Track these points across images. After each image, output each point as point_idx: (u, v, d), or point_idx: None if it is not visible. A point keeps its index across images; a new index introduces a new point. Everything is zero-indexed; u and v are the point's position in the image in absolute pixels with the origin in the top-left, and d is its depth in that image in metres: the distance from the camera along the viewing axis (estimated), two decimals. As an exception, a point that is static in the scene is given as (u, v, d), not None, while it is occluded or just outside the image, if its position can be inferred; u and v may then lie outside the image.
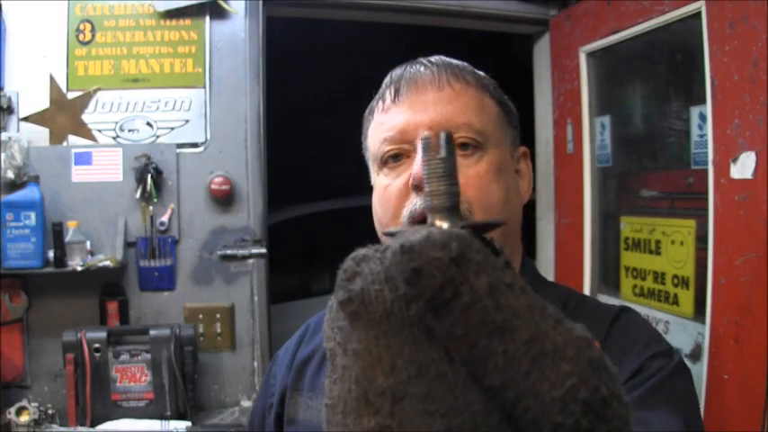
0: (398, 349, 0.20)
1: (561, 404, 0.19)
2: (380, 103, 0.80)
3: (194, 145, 2.04)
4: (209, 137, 2.04)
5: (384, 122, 0.77)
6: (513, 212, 0.77)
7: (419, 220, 0.72)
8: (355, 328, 0.22)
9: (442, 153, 0.25)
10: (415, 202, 0.72)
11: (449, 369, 0.20)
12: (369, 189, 0.83)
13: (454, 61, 0.81)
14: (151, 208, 1.97)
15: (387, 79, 0.81)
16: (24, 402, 1.74)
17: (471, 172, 0.72)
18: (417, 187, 0.71)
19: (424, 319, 0.20)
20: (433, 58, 0.80)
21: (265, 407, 0.86)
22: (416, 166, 0.70)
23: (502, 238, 0.74)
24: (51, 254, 1.82)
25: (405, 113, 0.75)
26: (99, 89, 1.99)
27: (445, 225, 0.23)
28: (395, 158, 0.76)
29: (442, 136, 0.25)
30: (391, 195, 0.74)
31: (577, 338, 0.21)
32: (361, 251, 0.23)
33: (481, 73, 0.81)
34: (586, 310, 0.78)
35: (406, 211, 0.73)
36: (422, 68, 0.78)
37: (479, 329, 0.20)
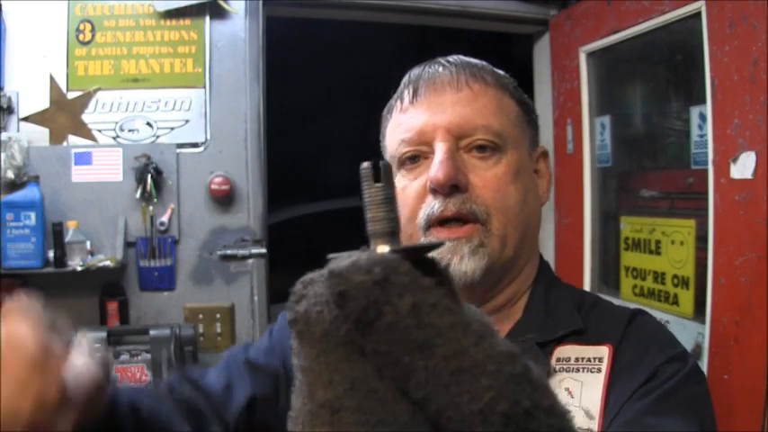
0: (335, 366, 0.22)
1: (481, 417, 0.20)
2: (399, 102, 0.79)
3: (194, 145, 2.04)
4: (209, 137, 2.04)
5: (402, 123, 0.77)
6: (531, 214, 0.77)
7: (435, 222, 0.72)
8: (302, 346, 0.24)
9: (380, 182, 0.26)
10: (432, 205, 0.72)
11: (379, 384, 0.22)
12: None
13: (473, 60, 0.80)
14: (151, 208, 1.97)
15: (405, 78, 0.80)
16: (24, 402, 1.74)
17: (489, 174, 0.72)
18: (435, 190, 0.71)
19: (353, 339, 0.22)
20: (452, 58, 0.79)
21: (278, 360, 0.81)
22: (434, 168, 0.70)
23: (520, 239, 0.74)
24: (51, 254, 1.82)
25: (423, 115, 0.74)
26: (99, 89, 1.99)
27: (386, 249, 0.25)
28: (412, 160, 0.75)
29: (381, 165, 0.26)
30: (408, 197, 0.74)
31: (499, 354, 0.22)
32: (309, 275, 0.25)
33: (500, 72, 0.80)
34: (601, 312, 0.77)
35: (422, 213, 0.73)
36: (440, 69, 0.77)
37: (402, 347, 0.21)
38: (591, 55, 2.14)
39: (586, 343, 0.72)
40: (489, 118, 0.74)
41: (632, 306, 0.81)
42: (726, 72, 1.52)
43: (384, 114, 0.83)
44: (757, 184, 1.43)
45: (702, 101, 1.61)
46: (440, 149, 0.72)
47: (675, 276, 1.77)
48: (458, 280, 0.70)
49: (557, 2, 2.31)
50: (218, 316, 2.02)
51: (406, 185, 0.75)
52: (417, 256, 0.24)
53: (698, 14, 1.62)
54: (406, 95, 0.77)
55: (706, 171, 1.60)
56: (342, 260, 0.23)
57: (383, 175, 0.26)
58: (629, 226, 1.99)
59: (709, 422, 0.66)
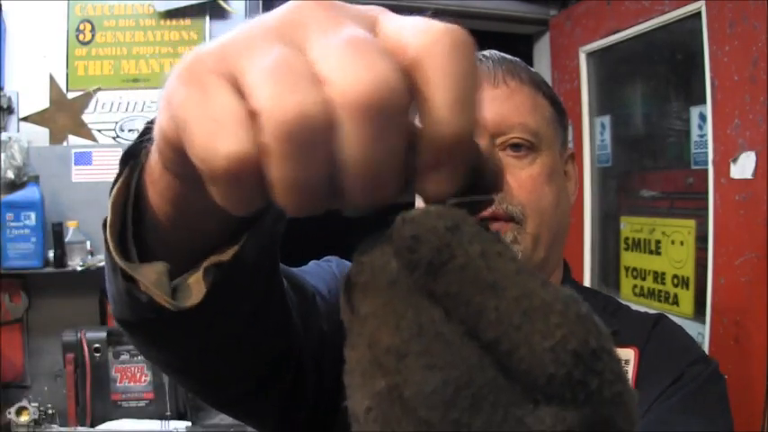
0: (402, 312, 0.22)
1: (552, 354, 0.21)
2: None
3: (194, 145, 2.04)
4: (209, 137, 2.04)
5: None
6: (563, 216, 0.76)
7: None
8: (366, 296, 0.24)
9: None
10: None
11: (447, 328, 0.22)
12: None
13: (508, 56, 0.78)
14: (151, 208, 1.97)
15: None
16: (24, 402, 1.74)
17: (524, 174, 0.71)
18: None
19: (425, 283, 0.22)
20: (488, 53, 0.77)
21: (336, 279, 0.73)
22: None
23: (552, 241, 0.73)
24: (51, 254, 1.82)
25: None
26: (99, 89, 1.99)
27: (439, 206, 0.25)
28: None
29: None
30: None
31: (565, 296, 0.22)
32: (372, 236, 0.25)
33: (533, 70, 0.79)
34: (624, 315, 0.77)
35: None
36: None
37: (473, 288, 0.22)
38: (591, 55, 2.14)
39: (615, 345, 0.72)
40: (525, 116, 0.72)
41: (630, 306, 0.81)
42: (726, 72, 1.52)
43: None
44: (757, 184, 1.43)
45: (702, 101, 1.61)
46: None
47: (675, 276, 1.77)
48: None
49: (557, 2, 2.31)
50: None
51: None
52: (472, 211, 0.25)
53: (698, 14, 1.62)
54: None
55: (706, 171, 1.60)
56: (413, 210, 0.24)
57: None
58: (629, 226, 1.99)
59: (730, 423, 0.67)
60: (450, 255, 0.22)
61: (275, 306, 0.48)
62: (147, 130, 0.35)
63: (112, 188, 0.36)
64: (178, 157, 0.25)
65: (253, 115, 0.22)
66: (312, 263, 0.79)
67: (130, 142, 0.37)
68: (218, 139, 0.22)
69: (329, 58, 0.22)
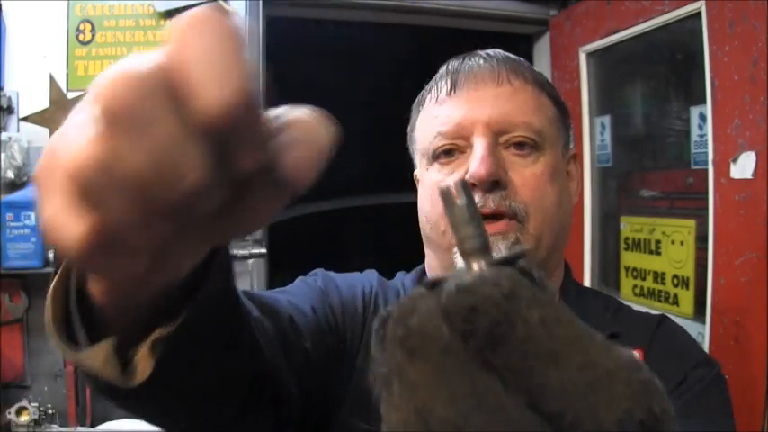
0: (457, 382, 0.22)
1: (618, 425, 0.20)
2: (434, 93, 0.76)
3: (194, 145, 2.04)
4: (209, 137, 2.04)
5: (438, 115, 0.74)
6: (565, 216, 0.76)
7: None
8: (414, 361, 0.23)
9: (463, 200, 0.26)
10: None
11: (506, 399, 0.21)
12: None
13: (512, 56, 0.78)
14: (151, 208, 1.97)
15: (442, 70, 0.78)
16: (24, 402, 1.74)
17: (527, 173, 0.71)
18: (473, 185, 0.68)
19: (482, 353, 0.22)
20: (491, 52, 0.78)
21: (324, 299, 0.73)
22: (475, 163, 0.68)
23: (553, 241, 0.73)
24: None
25: (461, 108, 0.72)
26: (99, 89, 1.99)
27: (481, 263, 0.25)
28: (447, 154, 0.73)
29: (459, 184, 0.26)
30: None
31: (627, 362, 0.22)
32: (415, 290, 0.25)
33: (537, 70, 0.79)
34: (627, 316, 0.78)
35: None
36: (481, 61, 0.75)
37: (535, 359, 0.21)
38: (591, 55, 2.14)
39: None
40: (529, 115, 0.72)
41: (631, 306, 0.81)
42: (726, 72, 1.52)
43: (414, 106, 0.81)
44: (757, 184, 1.43)
45: (702, 101, 1.61)
46: (480, 144, 0.70)
47: (675, 276, 1.77)
48: None
49: (557, 2, 2.31)
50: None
51: (441, 180, 0.72)
52: (513, 264, 0.24)
53: (698, 14, 1.62)
54: (444, 87, 0.75)
55: (706, 171, 1.60)
56: (463, 275, 0.23)
57: (463, 192, 0.26)
58: (629, 226, 1.99)
59: (733, 426, 0.67)
60: (509, 325, 0.22)
61: (243, 341, 0.48)
62: None
63: (51, 278, 0.36)
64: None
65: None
66: (299, 279, 0.80)
67: None
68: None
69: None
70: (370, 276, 0.84)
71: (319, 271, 0.82)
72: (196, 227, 0.26)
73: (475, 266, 0.24)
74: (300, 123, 0.27)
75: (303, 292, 0.74)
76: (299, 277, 0.80)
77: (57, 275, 0.36)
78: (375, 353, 0.26)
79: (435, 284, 0.24)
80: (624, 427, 0.20)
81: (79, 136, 0.23)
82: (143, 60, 0.23)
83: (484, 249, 0.25)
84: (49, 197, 0.25)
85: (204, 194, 0.23)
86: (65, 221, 0.24)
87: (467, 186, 0.26)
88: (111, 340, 0.35)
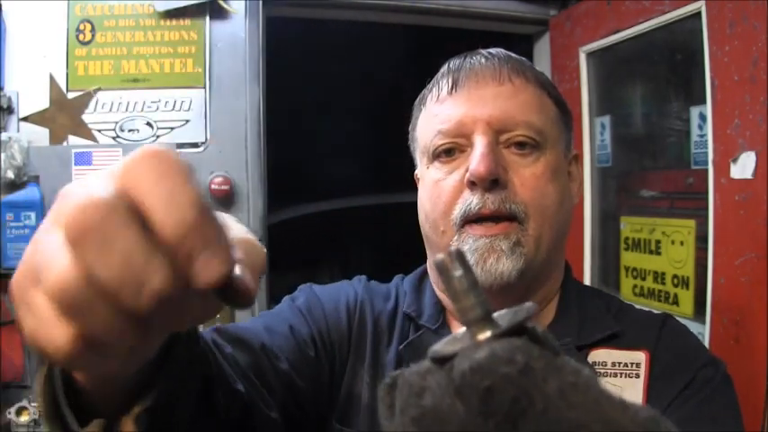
0: None
1: None
2: (435, 92, 0.76)
3: (194, 145, 2.04)
4: (209, 137, 2.04)
5: (439, 114, 0.74)
6: (566, 216, 0.75)
7: (473, 219, 0.69)
8: None
9: (458, 270, 0.26)
10: (470, 201, 0.69)
11: None
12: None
13: (513, 55, 0.78)
14: (151, 208, 1.97)
15: (444, 68, 0.78)
16: (24, 402, 1.74)
17: (527, 172, 0.70)
18: (473, 183, 0.68)
19: (502, 430, 0.22)
20: (493, 50, 0.77)
21: (297, 331, 0.74)
22: (475, 161, 0.68)
23: (554, 241, 0.73)
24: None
25: (463, 106, 0.72)
26: (99, 89, 1.99)
27: (487, 334, 0.24)
28: (448, 153, 0.72)
29: (453, 254, 0.26)
30: (443, 191, 0.71)
31: (644, 420, 0.22)
32: (423, 366, 0.24)
33: (538, 70, 0.79)
34: (630, 315, 0.77)
35: (458, 209, 0.70)
36: (483, 60, 0.75)
37: (557, 429, 0.21)
38: (591, 55, 2.13)
39: (621, 347, 0.71)
40: (530, 114, 0.72)
41: (655, 311, 0.81)
42: (726, 72, 1.52)
43: (416, 104, 0.80)
44: (757, 184, 1.43)
45: (702, 101, 1.61)
46: (480, 143, 0.69)
47: (675, 276, 1.77)
48: (493, 281, 0.68)
49: (557, 2, 2.31)
50: (217, 316, 2.02)
51: (441, 179, 0.72)
52: (520, 330, 0.24)
53: (698, 14, 1.62)
54: (445, 85, 0.74)
55: (706, 171, 1.60)
56: (474, 353, 0.23)
57: (460, 262, 0.26)
58: (629, 226, 1.99)
59: (741, 424, 0.67)
60: (528, 400, 0.21)
61: (217, 398, 0.51)
62: None
63: (37, 378, 0.39)
64: None
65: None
66: (284, 300, 0.82)
67: None
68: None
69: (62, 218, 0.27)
70: (355, 285, 0.84)
71: (304, 287, 0.84)
72: (163, 324, 0.30)
73: (480, 337, 0.24)
74: (243, 243, 0.30)
75: (282, 314, 0.76)
76: (285, 297, 0.83)
77: (41, 374, 0.38)
78: (384, 421, 0.25)
79: (443, 360, 0.24)
80: None
81: (54, 257, 0.26)
82: (100, 185, 0.26)
83: (486, 318, 0.25)
84: (31, 311, 0.28)
85: (171, 300, 0.27)
86: (49, 332, 0.28)
87: (462, 255, 0.26)
88: (100, 422, 0.38)
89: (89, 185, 0.27)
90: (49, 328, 0.27)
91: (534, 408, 0.21)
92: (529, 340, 0.23)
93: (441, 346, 0.24)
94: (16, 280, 0.29)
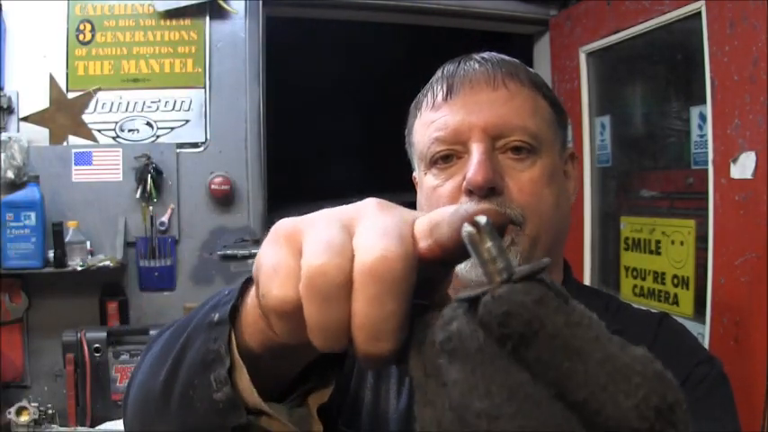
0: (491, 377, 0.25)
1: (637, 411, 0.23)
2: (430, 98, 0.76)
3: (194, 145, 2.04)
4: (209, 137, 2.04)
5: (435, 121, 0.74)
6: (563, 217, 0.76)
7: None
8: (453, 362, 0.26)
9: (488, 243, 0.28)
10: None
11: (535, 390, 0.24)
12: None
13: (507, 58, 0.78)
14: (151, 208, 1.97)
15: (438, 74, 0.77)
16: (24, 402, 1.74)
17: (524, 177, 0.70)
18: (470, 191, 0.69)
19: (516, 350, 0.25)
20: (486, 55, 0.77)
21: None
22: (472, 169, 0.68)
23: (551, 242, 0.73)
24: (51, 254, 1.82)
25: (458, 113, 0.72)
26: (99, 89, 1.99)
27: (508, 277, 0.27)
28: (445, 159, 0.72)
29: (483, 226, 0.28)
30: (441, 198, 0.72)
31: (642, 356, 0.25)
32: (454, 304, 0.28)
33: (533, 71, 0.79)
34: (628, 315, 0.77)
35: None
36: (476, 65, 0.75)
37: (563, 353, 0.24)
38: (591, 55, 2.14)
39: None
40: (526, 119, 0.72)
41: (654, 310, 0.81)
42: (726, 72, 1.52)
43: (411, 109, 0.80)
44: (757, 184, 1.43)
45: (702, 101, 1.61)
46: (477, 150, 0.70)
47: (675, 276, 1.77)
48: None
49: (557, 2, 2.31)
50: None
51: (439, 185, 0.72)
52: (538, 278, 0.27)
53: (698, 14, 1.62)
54: (440, 92, 0.74)
55: (706, 171, 1.60)
56: (497, 288, 0.26)
57: (488, 233, 0.28)
58: (629, 226, 1.99)
59: (738, 425, 0.67)
60: (540, 325, 0.25)
61: None
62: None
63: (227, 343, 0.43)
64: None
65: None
66: None
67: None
68: (273, 283, 0.32)
69: (361, 237, 0.30)
70: None
71: None
72: None
73: (499, 279, 0.27)
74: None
75: None
76: None
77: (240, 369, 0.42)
78: (412, 357, 0.29)
79: (471, 299, 0.27)
80: (642, 412, 0.23)
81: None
82: (342, 264, 0.29)
83: (510, 268, 0.28)
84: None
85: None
86: (281, 282, 0.32)
87: (490, 226, 0.28)
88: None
89: (335, 256, 0.30)
90: (278, 281, 0.31)
91: (545, 331, 0.24)
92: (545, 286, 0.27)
93: (469, 290, 0.27)
94: (284, 224, 0.34)
